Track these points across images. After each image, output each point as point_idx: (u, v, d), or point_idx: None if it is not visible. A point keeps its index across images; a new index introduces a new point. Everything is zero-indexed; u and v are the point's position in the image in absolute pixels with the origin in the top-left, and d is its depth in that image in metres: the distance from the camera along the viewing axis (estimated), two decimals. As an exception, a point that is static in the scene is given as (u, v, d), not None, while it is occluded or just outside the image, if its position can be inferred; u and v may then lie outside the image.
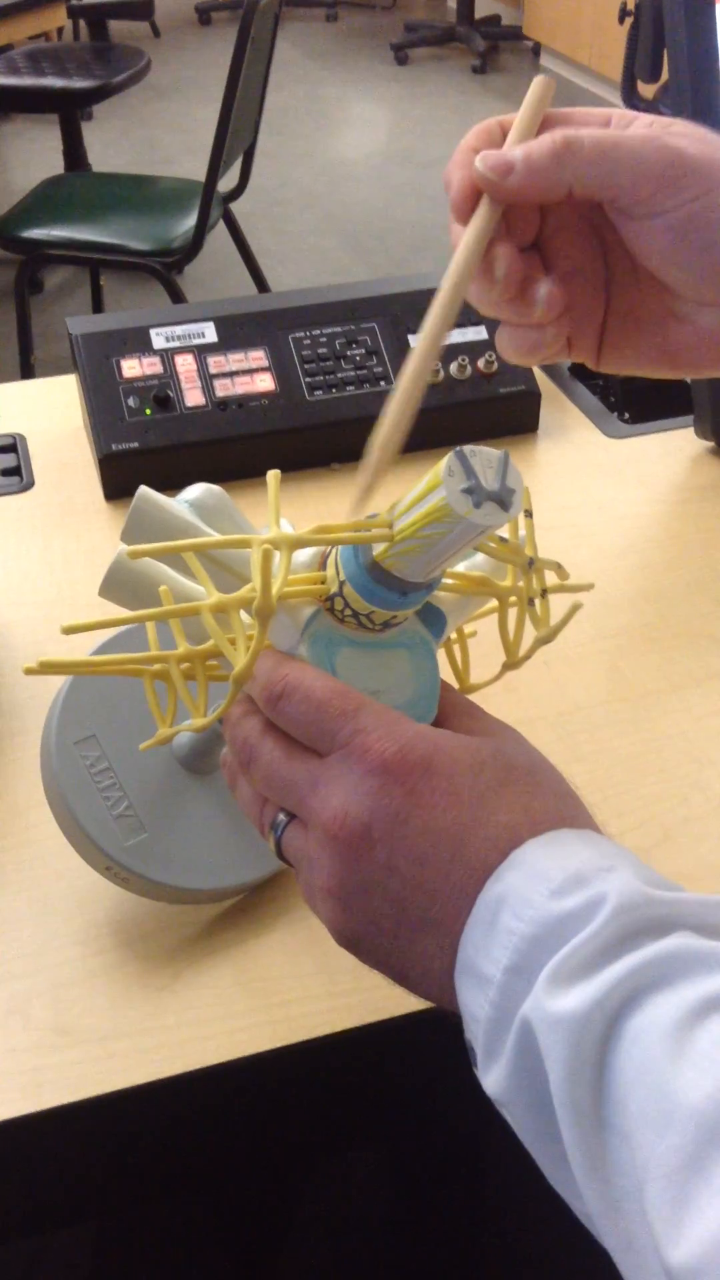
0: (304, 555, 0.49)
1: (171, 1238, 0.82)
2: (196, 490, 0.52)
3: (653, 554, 0.90)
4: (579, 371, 1.12)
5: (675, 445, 1.02)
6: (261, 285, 2.85)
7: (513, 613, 0.54)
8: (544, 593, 0.53)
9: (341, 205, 4.03)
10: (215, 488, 0.52)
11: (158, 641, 0.52)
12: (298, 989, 0.60)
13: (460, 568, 0.54)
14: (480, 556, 0.54)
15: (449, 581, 0.53)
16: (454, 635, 0.58)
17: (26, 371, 2.56)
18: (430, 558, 0.44)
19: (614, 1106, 0.36)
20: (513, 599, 0.53)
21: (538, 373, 1.11)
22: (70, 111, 3.11)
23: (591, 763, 0.73)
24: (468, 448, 0.42)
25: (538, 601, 0.53)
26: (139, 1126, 0.60)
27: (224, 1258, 0.88)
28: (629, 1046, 0.36)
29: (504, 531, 0.53)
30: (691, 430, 1.02)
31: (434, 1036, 0.61)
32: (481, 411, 1.01)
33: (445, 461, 0.42)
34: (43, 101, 3.10)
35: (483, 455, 0.42)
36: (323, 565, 0.48)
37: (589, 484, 0.98)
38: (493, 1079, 0.40)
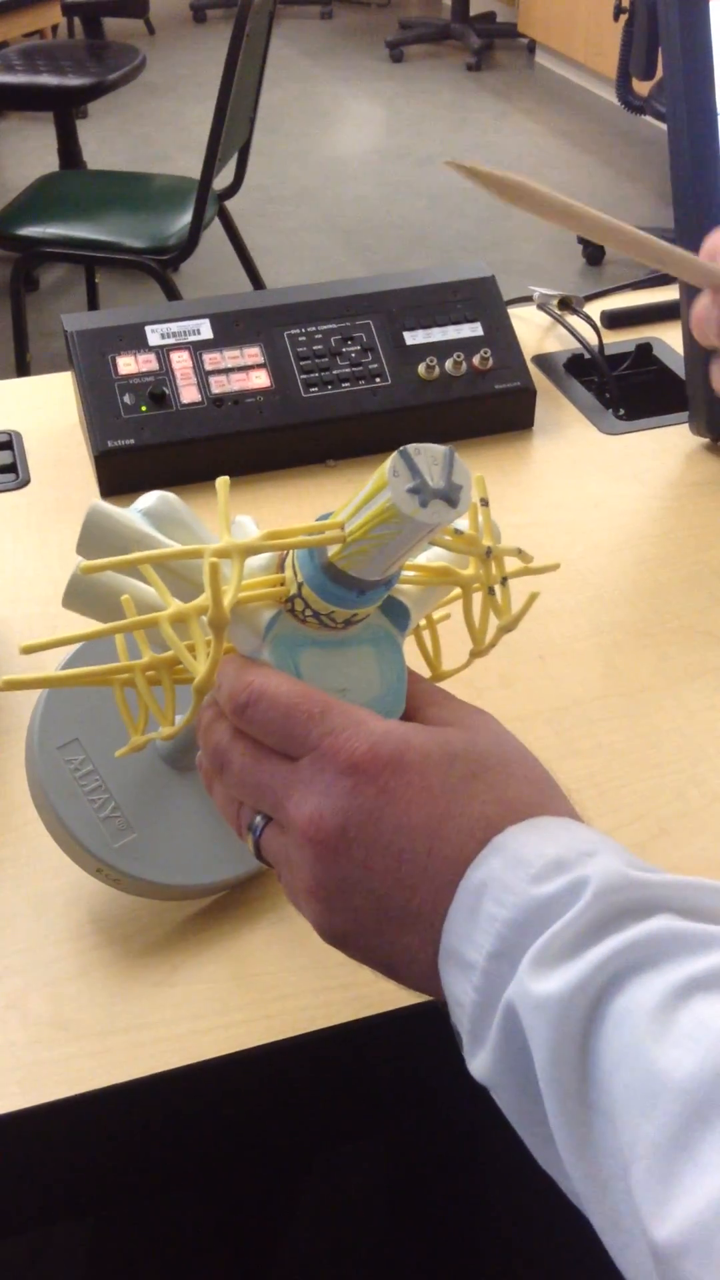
0: (262, 558, 0.49)
1: (169, 1232, 0.82)
2: (151, 499, 0.52)
3: (648, 550, 0.90)
4: (574, 368, 1.12)
5: (670, 442, 1.02)
6: (257, 282, 2.85)
7: (478, 600, 0.54)
8: (504, 580, 0.53)
9: (337, 203, 4.03)
10: (170, 495, 0.52)
11: (126, 649, 0.52)
12: (293, 983, 0.60)
13: (422, 558, 0.54)
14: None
15: (410, 573, 0.53)
16: (424, 623, 0.58)
17: (21, 369, 2.56)
18: (383, 557, 0.44)
19: (599, 1087, 0.36)
20: (476, 586, 0.53)
21: (533, 369, 1.11)
22: (65, 109, 3.11)
23: (588, 758, 0.73)
24: (412, 446, 0.42)
25: (498, 589, 0.53)
26: (137, 1120, 0.61)
27: (222, 1251, 0.88)
28: (613, 1027, 0.36)
29: (464, 521, 0.53)
30: (686, 426, 1.02)
31: (429, 1029, 0.61)
32: (477, 408, 1.02)
33: (390, 461, 0.42)
34: (37, 99, 3.10)
35: (428, 453, 0.42)
36: (281, 567, 0.48)
37: (584, 481, 0.98)
38: (479, 1063, 0.41)
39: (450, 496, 0.42)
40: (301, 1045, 0.59)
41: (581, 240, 3.59)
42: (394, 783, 0.43)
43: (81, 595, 0.51)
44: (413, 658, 0.57)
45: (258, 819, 0.47)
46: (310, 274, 3.49)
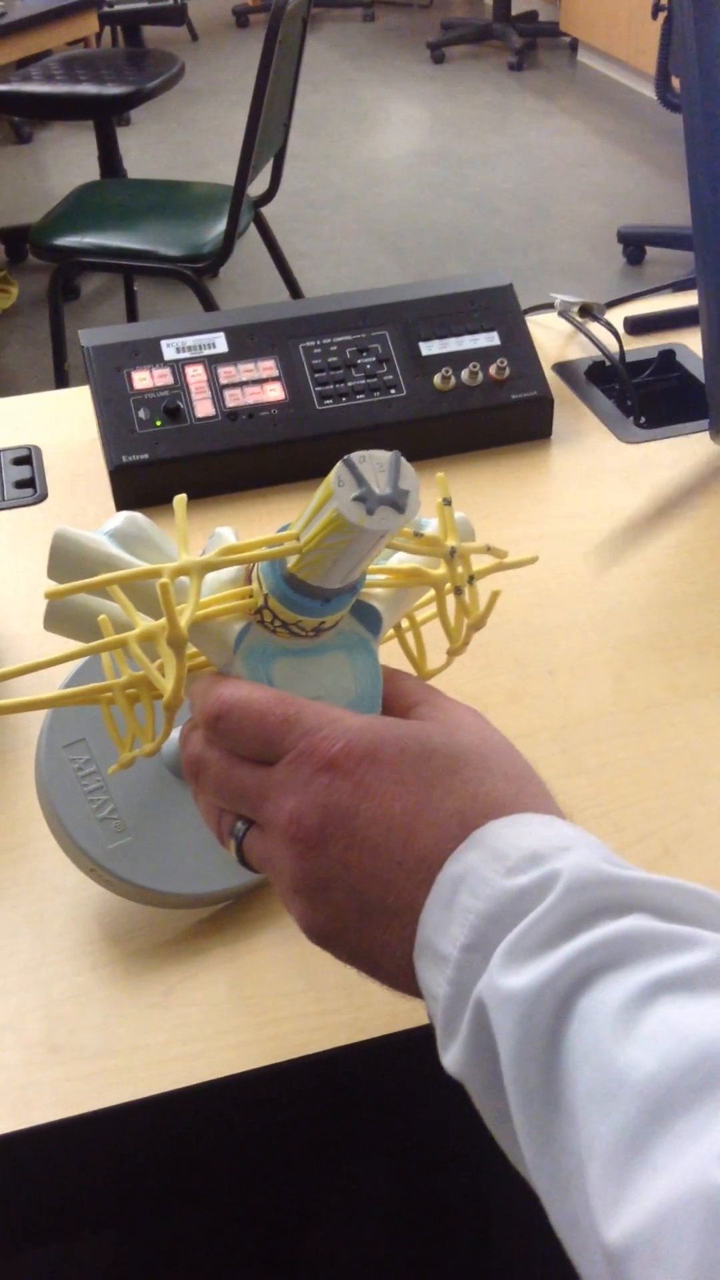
0: (231, 571, 0.49)
1: (186, 1246, 0.82)
2: (117, 520, 0.52)
3: (663, 561, 0.89)
4: (596, 375, 1.11)
5: (690, 450, 1.01)
6: (293, 289, 2.85)
7: (452, 599, 0.53)
8: (470, 579, 0.52)
9: (376, 206, 4.03)
10: (137, 515, 0.53)
11: (112, 669, 0.52)
12: (288, 1007, 0.60)
13: (393, 560, 0.54)
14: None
15: (380, 577, 0.52)
16: (407, 624, 0.57)
17: (60, 379, 2.58)
18: (340, 565, 0.44)
19: (563, 1085, 0.36)
20: (449, 585, 0.53)
21: (554, 377, 1.10)
22: (104, 118, 3.13)
23: (594, 775, 0.72)
24: (356, 454, 0.42)
25: (466, 589, 0.52)
26: (130, 1144, 0.61)
27: (237, 1266, 0.88)
28: (578, 1025, 0.36)
29: (434, 521, 0.52)
30: (707, 435, 1.01)
31: (424, 1053, 0.61)
32: (493, 418, 1.01)
33: (334, 471, 0.42)
34: (77, 108, 3.12)
35: (373, 460, 0.42)
36: (249, 579, 0.48)
37: (601, 491, 0.97)
38: (451, 1057, 0.41)
39: (397, 502, 0.42)
40: (296, 1069, 0.58)
41: (621, 239, 3.56)
42: (369, 778, 0.43)
43: (60, 619, 0.52)
44: (399, 659, 0.56)
45: (239, 824, 0.47)
46: (347, 278, 3.49)
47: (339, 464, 0.42)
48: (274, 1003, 0.60)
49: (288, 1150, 0.71)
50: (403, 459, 0.42)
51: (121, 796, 0.63)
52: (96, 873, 0.62)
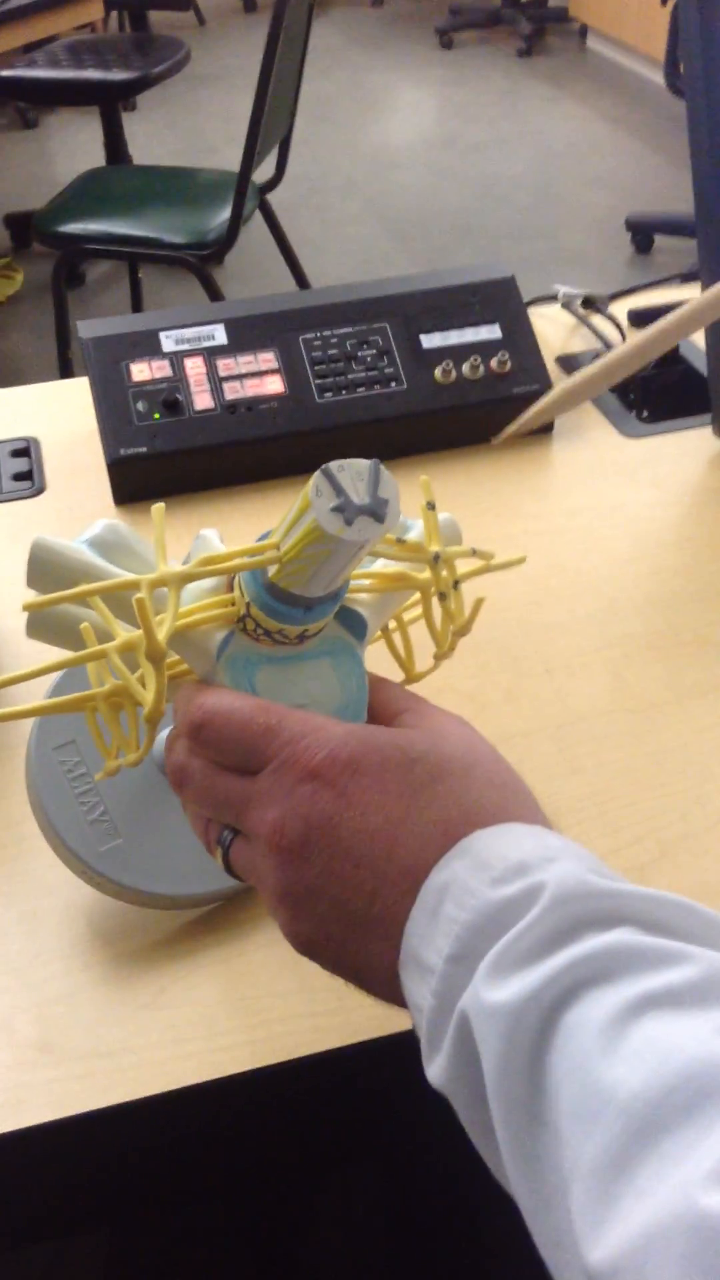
0: (211, 580, 0.48)
1: (165, 1255, 0.82)
2: (97, 528, 0.52)
3: (664, 559, 0.88)
4: (598, 369, 1.10)
5: (692, 445, 1.00)
6: (299, 276, 2.84)
7: (438, 602, 0.53)
8: (455, 584, 0.52)
9: (384, 192, 4.01)
10: (117, 523, 0.52)
11: (98, 676, 0.52)
12: (280, 1008, 0.60)
13: (378, 564, 0.53)
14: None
15: (365, 581, 0.52)
16: (394, 625, 0.57)
17: (64, 368, 2.57)
18: (321, 574, 0.44)
19: (548, 1101, 0.35)
20: (434, 590, 0.52)
21: (557, 370, 1.09)
22: (110, 103, 3.11)
23: (590, 775, 0.72)
24: (335, 463, 0.41)
25: (450, 593, 0.52)
26: (123, 1145, 0.60)
27: (232, 1265, 0.88)
28: (564, 1041, 0.36)
29: (419, 526, 0.52)
30: (709, 429, 1.00)
31: (417, 1055, 0.61)
32: (494, 412, 1.00)
33: (312, 481, 0.41)
34: (82, 94, 3.10)
35: (352, 468, 0.41)
36: (230, 587, 0.48)
37: (602, 486, 0.96)
38: (435, 1069, 0.40)
39: (376, 512, 0.41)
40: (288, 1071, 0.58)
41: (630, 228, 3.54)
42: (351, 787, 0.43)
43: (42, 627, 0.51)
44: (386, 660, 0.56)
45: (226, 833, 0.47)
46: (354, 266, 3.48)
47: (316, 473, 0.41)
48: (266, 1004, 0.60)
49: (281, 1152, 0.70)
50: (382, 467, 0.42)
51: (112, 798, 0.63)
52: (88, 875, 0.62)
